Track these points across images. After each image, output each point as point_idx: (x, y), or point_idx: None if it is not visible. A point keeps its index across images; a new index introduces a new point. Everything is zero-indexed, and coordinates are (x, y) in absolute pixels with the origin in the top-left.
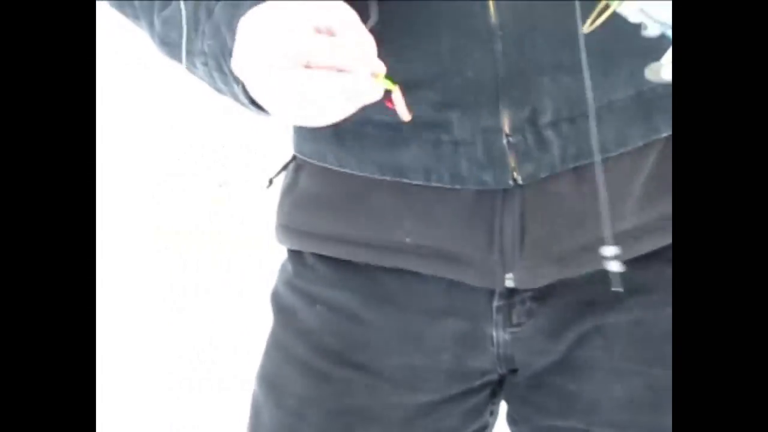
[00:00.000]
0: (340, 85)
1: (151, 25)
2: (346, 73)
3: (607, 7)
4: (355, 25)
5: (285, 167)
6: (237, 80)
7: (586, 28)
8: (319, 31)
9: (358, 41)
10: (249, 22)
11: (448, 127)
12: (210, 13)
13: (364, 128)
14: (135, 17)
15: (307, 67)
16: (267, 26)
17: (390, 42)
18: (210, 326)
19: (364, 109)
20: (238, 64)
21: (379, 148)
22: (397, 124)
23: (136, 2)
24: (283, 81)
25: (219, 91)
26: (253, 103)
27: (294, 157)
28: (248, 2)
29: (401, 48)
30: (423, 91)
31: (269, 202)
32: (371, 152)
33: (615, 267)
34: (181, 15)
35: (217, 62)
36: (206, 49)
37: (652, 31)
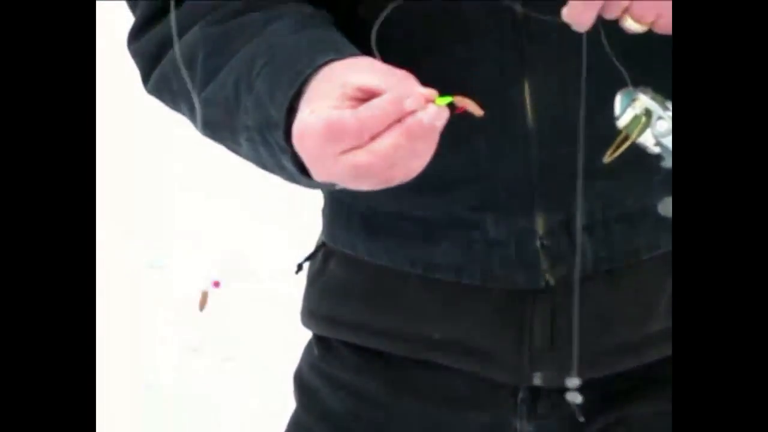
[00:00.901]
0: (409, 134)
1: (191, 109)
2: (407, 120)
3: (626, 138)
4: (390, 71)
5: (314, 254)
6: (283, 149)
7: (607, 158)
8: (359, 97)
9: (400, 81)
10: (307, 146)
11: (482, 227)
12: (251, 87)
13: (399, 223)
14: (174, 102)
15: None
16: (319, 115)
17: None
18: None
19: (401, 203)
20: (301, 152)
21: (412, 243)
22: (432, 221)
23: (175, 86)
24: (353, 163)
25: (264, 166)
26: (303, 171)
27: (324, 244)
28: (288, 72)
29: (438, 148)
30: (458, 192)
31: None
32: (403, 246)
33: (576, 399)
34: (223, 93)
35: (261, 135)
36: (250, 123)
37: (668, 163)
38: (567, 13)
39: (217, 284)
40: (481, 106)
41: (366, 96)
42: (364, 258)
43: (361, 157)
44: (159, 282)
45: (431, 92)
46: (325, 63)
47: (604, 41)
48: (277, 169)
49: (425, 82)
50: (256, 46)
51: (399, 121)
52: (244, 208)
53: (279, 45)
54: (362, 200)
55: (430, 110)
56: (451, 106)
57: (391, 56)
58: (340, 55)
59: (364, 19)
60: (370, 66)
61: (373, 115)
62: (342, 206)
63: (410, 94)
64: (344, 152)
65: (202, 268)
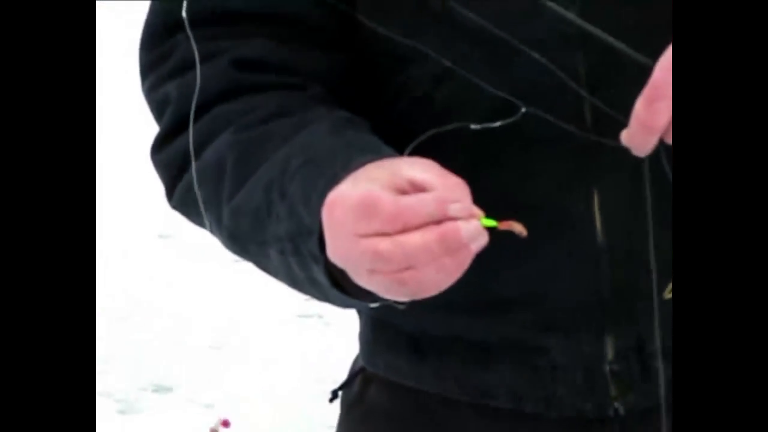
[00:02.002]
0: (442, 240)
1: (218, 221)
2: (445, 224)
3: None
4: (445, 174)
5: (351, 380)
6: (316, 258)
7: (666, 294)
8: (407, 190)
9: (453, 186)
10: (336, 215)
11: (545, 351)
12: (284, 193)
13: (451, 345)
14: (200, 216)
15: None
16: (359, 188)
17: (482, 258)
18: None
19: (454, 324)
20: (339, 263)
21: (464, 367)
22: (488, 344)
23: (202, 198)
24: (375, 248)
25: (295, 282)
26: (336, 284)
27: (362, 369)
28: (325, 173)
29: (495, 265)
30: (519, 313)
31: None
32: (454, 370)
33: None
34: (252, 201)
35: (294, 245)
36: (282, 232)
37: None
38: (626, 139)
39: (226, 424)
40: (527, 227)
41: (414, 192)
42: (411, 384)
43: (384, 244)
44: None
45: (477, 211)
46: (363, 164)
47: (665, 163)
48: (308, 284)
49: (480, 193)
50: (289, 149)
51: (438, 223)
52: None
53: (315, 146)
54: (411, 321)
55: (472, 225)
56: (493, 230)
57: (441, 164)
58: (380, 157)
59: (406, 126)
60: (427, 164)
61: (413, 206)
62: (386, 328)
63: (458, 201)
64: (370, 235)
65: None
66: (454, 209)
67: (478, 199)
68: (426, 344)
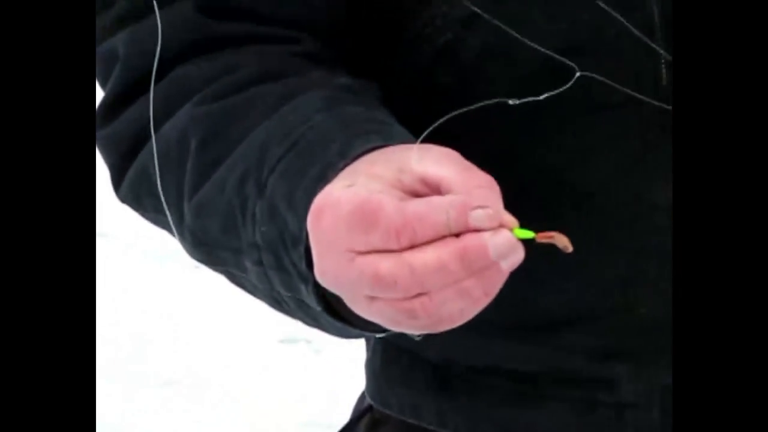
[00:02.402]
0: (462, 258)
1: (180, 219)
2: (465, 237)
3: None
4: (470, 169)
5: (356, 422)
6: (304, 276)
7: None
8: (419, 191)
9: (478, 187)
10: (324, 226)
11: (610, 384)
12: (261, 188)
13: (487, 379)
14: (158, 213)
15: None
16: (356, 192)
17: (525, 266)
18: None
19: (490, 352)
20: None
21: (503, 405)
22: (534, 376)
23: (158, 189)
24: (374, 269)
25: (278, 303)
26: (329, 308)
27: (370, 408)
28: (315, 164)
29: (542, 274)
30: (577, 335)
31: None
32: (490, 409)
33: None
34: (222, 197)
35: (274, 256)
36: (259, 239)
37: None
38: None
39: None
40: (572, 242)
41: (428, 194)
42: (434, 428)
43: (387, 264)
44: None
45: (509, 219)
46: (367, 152)
47: None
48: (295, 307)
49: (520, 180)
50: (269, 131)
51: (457, 236)
52: None
53: (303, 126)
54: (435, 347)
55: (502, 238)
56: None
57: (471, 146)
58: (387, 142)
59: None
60: (445, 155)
61: (424, 214)
62: (401, 355)
63: (484, 206)
64: (369, 252)
65: None
66: (477, 217)
67: (518, 187)
68: (454, 377)
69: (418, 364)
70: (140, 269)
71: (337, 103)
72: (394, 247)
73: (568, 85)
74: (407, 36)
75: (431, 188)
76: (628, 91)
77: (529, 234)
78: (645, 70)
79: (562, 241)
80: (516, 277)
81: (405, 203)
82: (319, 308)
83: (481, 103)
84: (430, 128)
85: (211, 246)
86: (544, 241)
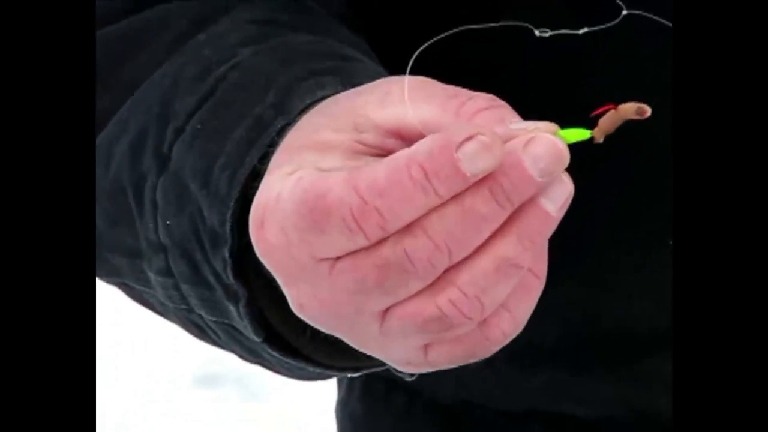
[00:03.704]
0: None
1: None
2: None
3: None
4: (446, 97)
5: None
6: (234, 295)
7: None
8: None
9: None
10: (271, 241)
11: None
12: (164, 158)
13: (522, 425)
14: None
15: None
16: (300, 180)
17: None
18: None
19: (527, 395)
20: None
21: None
22: (589, 421)
23: None
24: (353, 276)
25: (198, 328)
26: (275, 339)
27: None
28: (241, 122)
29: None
30: (641, 364)
31: None
32: None
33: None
34: (108, 174)
35: (188, 262)
36: (163, 237)
37: None
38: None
39: None
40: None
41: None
42: None
43: (363, 265)
44: None
45: (546, 125)
46: (318, 101)
47: None
48: (226, 338)
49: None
50: (175, 71)
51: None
52: None
53: (222, 67)
54: (448, 383)
55: (539, 145)
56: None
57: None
58: (347, 83)
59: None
60: (419, 88)
61: (382, 184)
62: (395, 395)
63: (476, 133)
64: (340, 257)
65: None
66: (469, 154)
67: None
68: (473, 423)
69: (421, 406)
70: None
71: (275, 30)
72: (363, 243)
73: (612, 24)
74: None
75: (411, 141)
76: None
77: (581, 133)
78: None
79: (631, 109)
80: (572, 282)
81: (358, 171)
82: (258, 339)
83: (496, 24)
84: (416, 54)
85: (95, 247)
86: (609, 127)
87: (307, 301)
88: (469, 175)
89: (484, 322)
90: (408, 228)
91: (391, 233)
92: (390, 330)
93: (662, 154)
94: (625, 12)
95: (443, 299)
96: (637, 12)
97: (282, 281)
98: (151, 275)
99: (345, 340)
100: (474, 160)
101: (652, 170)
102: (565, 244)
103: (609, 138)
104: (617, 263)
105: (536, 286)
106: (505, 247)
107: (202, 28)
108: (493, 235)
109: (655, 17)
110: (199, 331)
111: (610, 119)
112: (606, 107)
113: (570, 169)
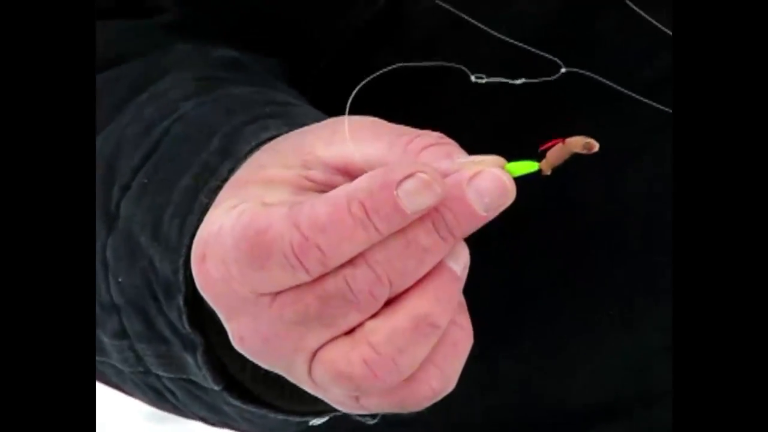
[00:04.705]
0: (422, 253)
1: None
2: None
3: None
4: (394, 135)
5: None
6: (191, 343)
7: None
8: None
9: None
10: (212, 276)
11: None
12: (112, 216)
13: None
14: None
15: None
16: (241, 215)
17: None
18: None
19: None
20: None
21: None
22: None
23: None
24: (293, 310)
25: (157, 393)
26: (235, 388)
27: None
28: (188, 170)
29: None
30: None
31: None
32: None
33: None
34: None
35: (143, 318)
36: (116, 296)
37: None
38: None
39: None
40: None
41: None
42: None
43: (304, 296)
44: None
45: (493, 159)
46: (263, 142)
47: None
48: (187, 399)
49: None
50: (120, 130)
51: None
52: None
53: (166, 121)
54: None
55: (485, 180)
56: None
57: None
58: (290, 127)
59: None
60: (368, 127)
61: (324, 219)
62: None
63: (417, 170)
64: (281, 292)
65: None
66: (408, 192)
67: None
68: None
69: None
70: None
71: (215, 84)
72: (305, 278)
73: (551, 78)
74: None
75: (355, 176)
76: (626, 91)
77: (529, 165)
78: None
79: (579, 143)
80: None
81: (299, 207)
82: (218, 388)
83: (431, 63)
84: (355, 90)
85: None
86: (556, 160)
87: (247, 335)
88: (409, 212)
89: (411, 378)
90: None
91: (332, 269)
92: (316, 377)
93: (598, 227)
94: (563, 70)
95: (357, 357)
96: (575, 69)
97: (223, 315)
98: (106, 340)
99: (286, 377)
100: (413, 198)
101: (589, 243)
102: (501, 320)
103: (547, 207)
104: (553, 339)
105: (463, 340)
106: (423, 304)
107: (143, 90)
108: (410, 293)
109: (593, 75)
110: (157, 395)
111: (558, 152)
112: (554, 141)
113: (506, 245)
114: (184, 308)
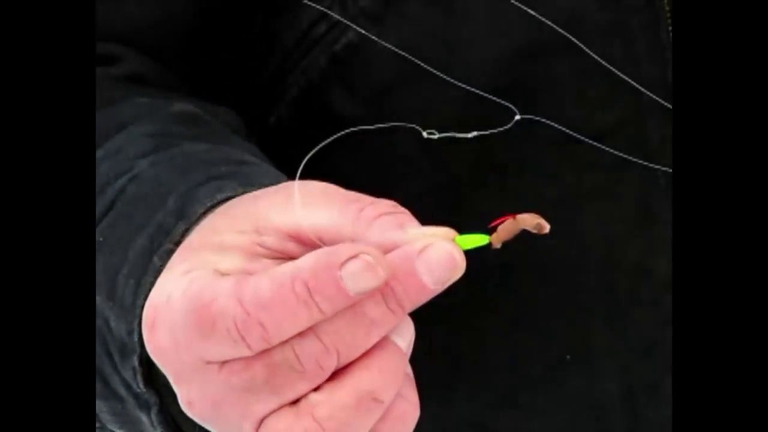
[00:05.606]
0: (369, 327)
1: None
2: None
3: None
4: (344, 202)
5: None
6: (145, 402)
7: None
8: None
9: (367, 221)
10: (161, 344)
11: None
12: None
13: None
14: None
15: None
16: (190, 285)
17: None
18: None
19: None
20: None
21: None
22: None
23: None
24: (236, 381)
25: None
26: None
27: None
28: (140, 234)
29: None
30: None
31: None
32: None
33: None
34: None
35: (99, 377)
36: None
37: None
38: None
39: None
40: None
41: (306, 251)
42: None
43: (252, 364)
44: None
45: (443, 231)
46: (218, 204)
47: None
48: None
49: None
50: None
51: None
52: None
53: (121, 180)
54: None
55: (437, 254)
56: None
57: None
58: (246, 188)
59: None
60: (320, 194)
61: (267, 298)
62: None
63: (362, 251)
64: (229, 360)
65: None
66: (352, 273)
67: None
68: None
69: None
70: None
71: (171, 141)
72: (247, 353)
73: (504, 128)
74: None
75: (310, 246)
76: (582, 137)
77: (479, 239)
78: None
79: (530, 221)
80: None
81: (246, 282)
82: None
83: (385, 125)
84: (306, 158)
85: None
86: (507, 235)
87: (196, 400)
88: (352, 294)
89: None
90: None
91: (275, 345)
92: None
93: (560, 271)
94: (518, 117)
95: (301, 431)
96: (529, 116)
97: (172, 380)
98: None
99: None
100: (357, 279)
101: (551, 288)
102: (464, 365)
103: (505, 252)
104: (517, 382)
105: (410, 412)
106: (367, 379)
107: (98, 145)
108: (355, 365)
109: (548, 122)
110: None
111: (508, 228)
112: (505, 217)
113: (471, 290)
114: (139, 368)
